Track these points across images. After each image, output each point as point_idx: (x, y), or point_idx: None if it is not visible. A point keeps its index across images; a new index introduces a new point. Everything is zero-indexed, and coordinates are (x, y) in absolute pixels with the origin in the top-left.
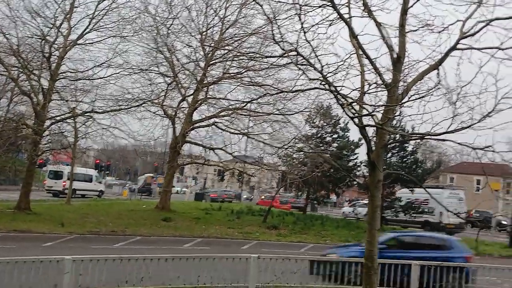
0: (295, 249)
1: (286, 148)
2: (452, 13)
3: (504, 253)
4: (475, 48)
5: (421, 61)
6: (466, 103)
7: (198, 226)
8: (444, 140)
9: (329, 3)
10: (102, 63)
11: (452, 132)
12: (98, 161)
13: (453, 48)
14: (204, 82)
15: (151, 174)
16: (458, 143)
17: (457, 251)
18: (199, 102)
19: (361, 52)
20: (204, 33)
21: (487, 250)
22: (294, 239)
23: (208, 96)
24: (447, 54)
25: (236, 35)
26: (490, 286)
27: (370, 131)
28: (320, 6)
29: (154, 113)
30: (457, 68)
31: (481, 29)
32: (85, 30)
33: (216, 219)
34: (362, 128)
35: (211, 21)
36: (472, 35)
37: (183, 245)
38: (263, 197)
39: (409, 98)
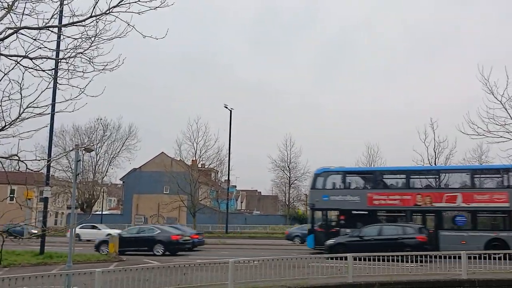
0: None
1: None
2: None
3: (34, 261)
4: (2, 55)
5: None
6: None
7: None
8: None
9: None
10: None
11: None
12: None
13: None
14: None
15: None
16: None
17: None
18: None
19: None
20: None
21: (18, 260)
22: None
23: None
24: None
25: None
26: None
27: None
28: None
29: None
30: None
31: (9, 35)
32: None
33: None
34: None
35: None
36: (1, 40)
37: None
38: None
39: None
